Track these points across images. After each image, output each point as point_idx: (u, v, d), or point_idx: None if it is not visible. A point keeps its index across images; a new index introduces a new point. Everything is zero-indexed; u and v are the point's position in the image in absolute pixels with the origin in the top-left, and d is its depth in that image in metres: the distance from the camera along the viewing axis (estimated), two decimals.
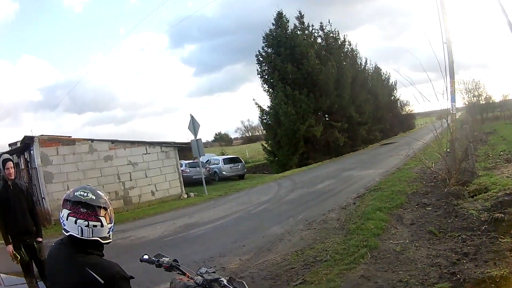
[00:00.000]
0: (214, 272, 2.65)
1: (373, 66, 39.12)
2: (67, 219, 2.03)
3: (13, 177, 5.21)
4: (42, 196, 14.38)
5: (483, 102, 36.23)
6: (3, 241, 5.63)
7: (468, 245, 5.51)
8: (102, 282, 1.94)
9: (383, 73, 40.75)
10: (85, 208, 2.02)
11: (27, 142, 15.44)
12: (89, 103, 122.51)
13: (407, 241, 6.22)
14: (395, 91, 42.55)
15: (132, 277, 2.13)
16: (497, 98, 41.88)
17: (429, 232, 6.44)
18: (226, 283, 2.49)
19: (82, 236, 2.02)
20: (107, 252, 2.16)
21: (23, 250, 5.16)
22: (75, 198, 2.04)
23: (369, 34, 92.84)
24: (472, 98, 35.78)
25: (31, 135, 15.19)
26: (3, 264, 8.16)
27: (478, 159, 12.30)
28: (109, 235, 2.13)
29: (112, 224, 2.15)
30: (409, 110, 48.16)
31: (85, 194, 2.06)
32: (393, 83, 40.96)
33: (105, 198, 2.13)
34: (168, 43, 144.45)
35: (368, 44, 76.02)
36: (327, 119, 31.50)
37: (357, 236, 6.89)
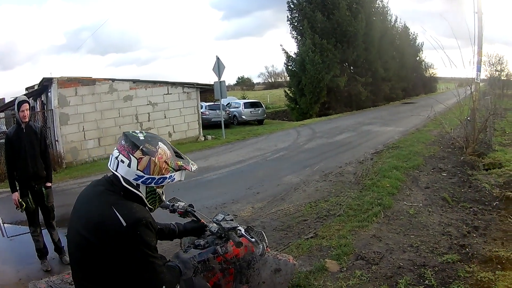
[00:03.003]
0: (232, 220, 2.37)
1: (402, 25, 37.63)
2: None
3: (27, 120, 4.86)
4: (56, 139, 14.09)
5: (504, 78, 34.61)
6: (9, 189, 5.30)
7: (479, 218, 5.38)
8: (125, 224, 1.72)
9: (411, 33, 39.23)
10: (124, 141, 1.85)
11: (45, 84, 14.95)
12: (114, 44, 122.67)
13: (421, 204, 6.08)
14: (421, 52, 40.96)
15: (161, 229, 1.95)
16: None
17: (443, 198, 6.29)
18: (243, 233, 2.26)
19: (109, 165, 1.87)
20: None
21: (30, 197, 4.88)
22: (126, 133, 1.89)
23: None
24: (494, 72, 34.08)
25: (50, 76, 14.46)
26: (7, 214, 7.94)
27: (496, 134, 12.01)
28: (136, 183, 1.84)
29: (146, 176, 1.83)
30: (432, 73, 46.40)
31: (137, 133, 1.90)
32: (420, 44, 39.34)
33: (158, 149, 1.86)
34: None
35: (397, 4, 72.89)
36: (352, 71, 30.86)
37: (372, 193, 6.75)
